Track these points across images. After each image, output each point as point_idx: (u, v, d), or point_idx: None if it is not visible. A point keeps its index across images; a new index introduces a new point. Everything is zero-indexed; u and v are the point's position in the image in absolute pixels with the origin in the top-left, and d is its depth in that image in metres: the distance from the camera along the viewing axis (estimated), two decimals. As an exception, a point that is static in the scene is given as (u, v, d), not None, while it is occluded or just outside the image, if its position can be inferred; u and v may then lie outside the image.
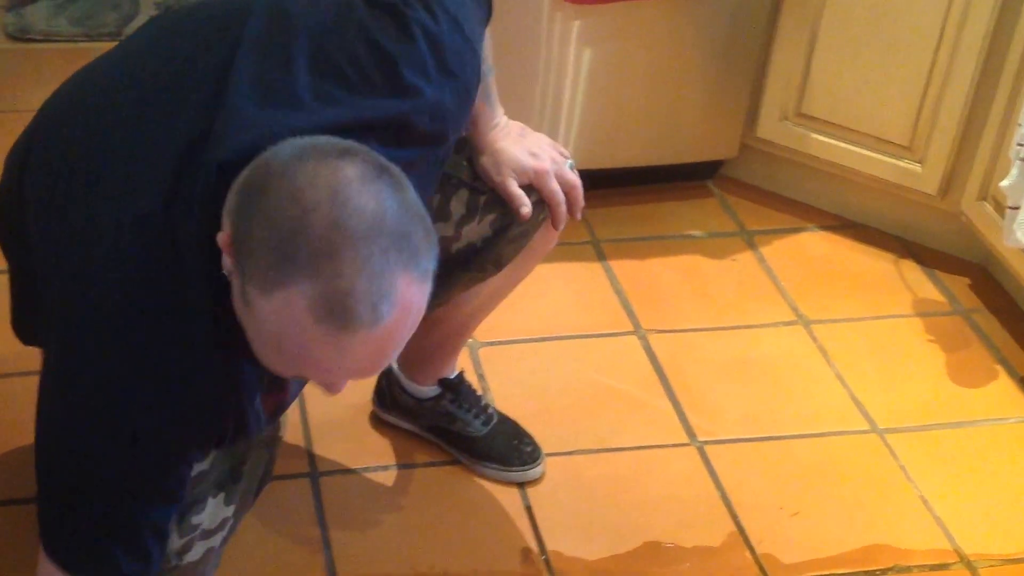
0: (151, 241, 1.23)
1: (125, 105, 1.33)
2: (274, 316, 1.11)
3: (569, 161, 1.68)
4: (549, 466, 1.91)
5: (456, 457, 1.91)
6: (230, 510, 1.60)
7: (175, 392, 1.25)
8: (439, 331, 1.85)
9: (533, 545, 1.80)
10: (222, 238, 1.16)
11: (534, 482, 1.89)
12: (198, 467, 1.54)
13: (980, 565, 1.82)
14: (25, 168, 1.41)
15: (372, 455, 1.92)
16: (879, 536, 1.86)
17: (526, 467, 1.89)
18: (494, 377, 2.07)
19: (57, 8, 2.92)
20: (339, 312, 1.09)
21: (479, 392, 1.93)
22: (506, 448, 1.89)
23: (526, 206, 1.62)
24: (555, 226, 1.67)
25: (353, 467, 1.89)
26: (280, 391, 1.44)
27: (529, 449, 1.90)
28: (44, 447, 1.32)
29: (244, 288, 1.13)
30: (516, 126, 1.68)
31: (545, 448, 1.92)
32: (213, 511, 1.57)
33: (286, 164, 1.13)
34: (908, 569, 1.81)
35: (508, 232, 1.65)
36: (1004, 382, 2.16)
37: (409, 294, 1.13)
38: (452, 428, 1.90)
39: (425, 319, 1.84)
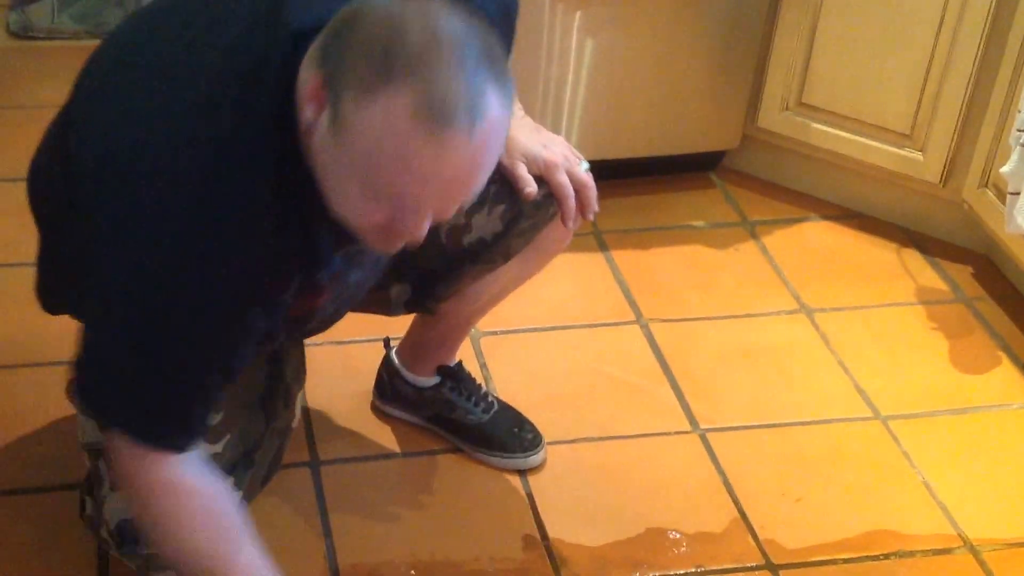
0: (224, 110, 1.25)
1: (171, 27, 1.36)
2: (374, 126, 1.14)
3: (583, 163, 1.65)
4: (551, 454, 1.91)
5: (457, 445, 1.91)
6: (237, 495, 1.61)
7: (237, 248, 1.26)
8: (443, 325, 1.85)
9: (535, 532, 1.80)
10: (307, 84, 1.19)
11: (535, 469, 1.89)
12: (212, 448, 1.55)
13: (983, 549, 1.82)
14: (70, 123, 1.41)
15: (373, 444, 1.92)
16: (882, 521, 1.85)
17: (527, 454, 1.89)
18: (496, 366, 2.07)
19: (60, 5, 2.93)
20: (439, 112, 1.13)
21: (479, 381, 1.93)
22: (507, 435, 1.89)
23: (531, 186, 1.60)
24: (564, 222, 1.63)
25: (354, 456, 1.89)
26: (314, 295, 1.45)
27: (530, 436, 1.90)
28: (105, 309, 1.31)
29: (337, 114, 1.16)
30: (530, 121, 1.67)
31: (547, 436, 1.92)
32: None
33: (373, 4, 1.18)
34: (911, 554, 1.81)
35: (518, 225, 1.65)
36: (1007, 368, 2.16)
37: (496, 110, 1.17)
38: (452, 416, 1.90)
39: (428, 315, 1.86)
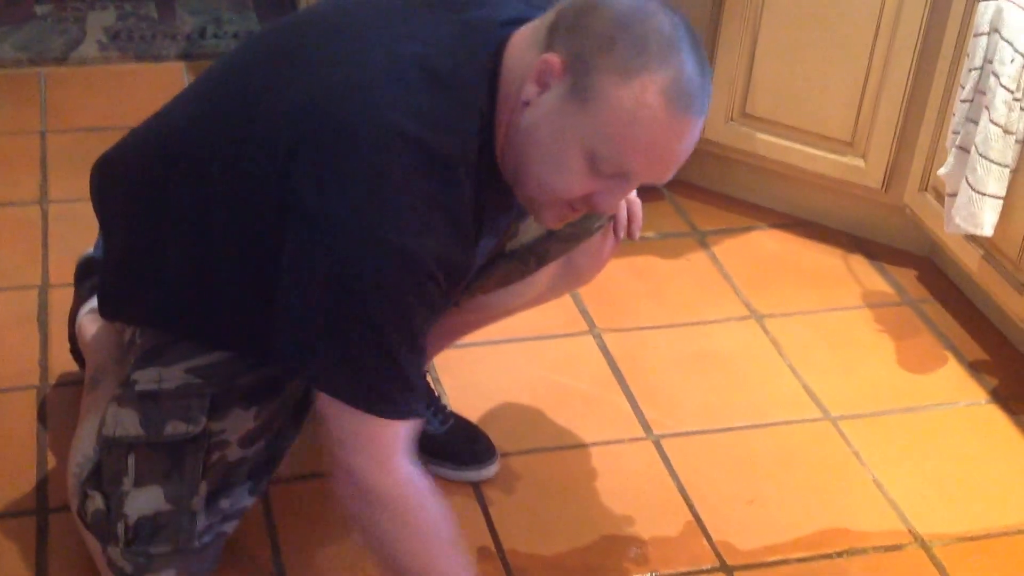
0: (431, 79, 1.35)
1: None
2: (632, 101, 1.28)
3: None
4: (506, 465, 1.93)
5: (413, 458, 1.92)
6: (251, 500, 1.64)
7: (438, 221, 1.34)
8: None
9: (490, 544, 1.80)
10: (544, 63, 1.31)
11: (489, 481, 1.90)
12: (242, 453, 1.58)
13: (934, 544, 1.85)
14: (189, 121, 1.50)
15: (323, 459, 1.91)
16: (834, 520, 1.88)
17: (480, 466, 1.90)
18: (449, 380, 2.08)
19: (1, 35, 2.93)
20: (685, 96, 1.29)
21: (437, 394, 1.94)
22: (461, 447, 1.90)
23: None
24: (616, 232, 1.72)
25: (302, 473, 1.88)
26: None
27: (483, 448, 1.91)
28: (310, 303, 1.35)
29: (586, 88, 1.29)
30: None
31: (502, 448, 1.93)
32: (238, 498, 1.61)
33: None
34: (864, 551, 1.83)
35: (559, 233, 1.68)
36: (953, 368, 2.20)
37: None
38: (408, 428, 1.91)
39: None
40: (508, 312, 1.87)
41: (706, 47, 2.42)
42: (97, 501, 1.58)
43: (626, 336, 2.23)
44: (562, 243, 1.71)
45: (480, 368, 2.13)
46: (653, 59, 1.28)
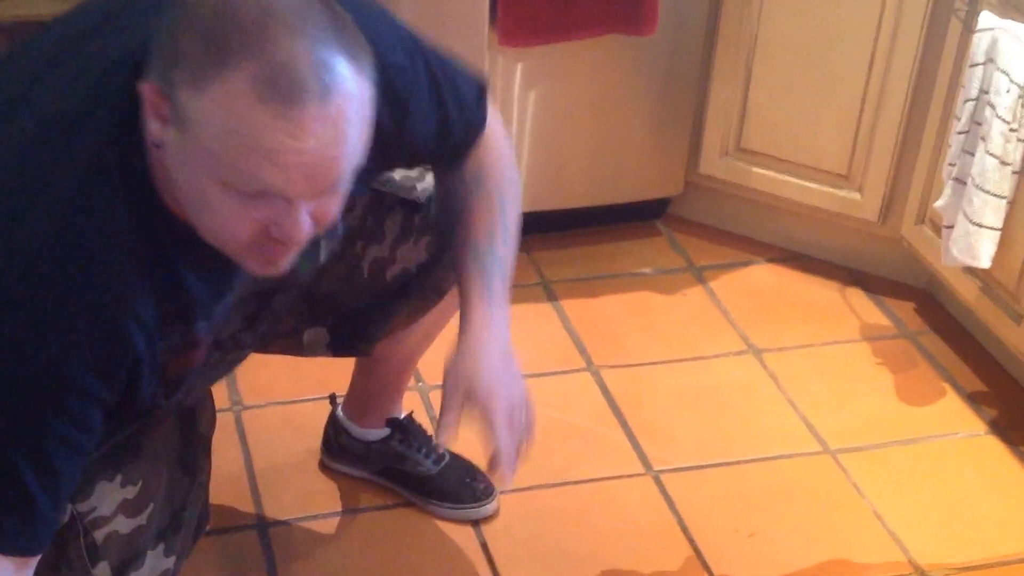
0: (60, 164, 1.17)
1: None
2: (218, 113, 1.07)
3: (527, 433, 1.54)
4: (505, 503, 1.92)
5: (408, 498, 1.91)
6: (170, 561, 1.59)
7: (66, 313, 1.16)
8: (382, 370, 1.85)
9: (490, 580, 1.80)
10: (145, 96, 1.11)
11: (489, 518, 1.89)
12: (134, 522, 1.52)
13: (934, 574, 1.84)
14: None
15: (321, 502, 1.91)
16: (835, 552, 1.87)
17: (479, 503, 1.89)
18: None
19: None
20: (284, 84, 1.06)
21: (429, 433, 1.94)
22: (458, 486, 1.89)
23: (445, 436, 1.47)
24: (488, 472, 1.48)
25: (302, 515, 1.88)
26: (190, 348, 1.34)
27: (482, 486, 1.90)
28: None
29: (179, 113, 1.09)
30: (508, 350, 1.50)
31: (500, 487, 1.92)
32: (153, 565, 1.55)
33: None
34: (864, 583, 1.82)
35: (444, 257, 1.63)
36: (951, 399, 2.19)
37: (352, 80, 1.09)
38: (403, 468, 1.90)
39: (362, 362, 1.84)
40: (424, 345, 1.83)
41: (700, 81, 2.46)
42: None
43: (623, 372, 2.22)
44: (450, 268, 1.60)
45: (478, 405, 2.12)
46: (231, 56, 1.06)
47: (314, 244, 1.31)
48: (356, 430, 1.91)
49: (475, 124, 1.46)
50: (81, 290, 1.17)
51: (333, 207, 1.17)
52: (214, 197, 1.12)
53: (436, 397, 2.09)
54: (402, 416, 1.91)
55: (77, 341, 1.16)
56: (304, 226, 1.15)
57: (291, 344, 1.71)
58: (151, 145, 1.15)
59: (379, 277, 1.64)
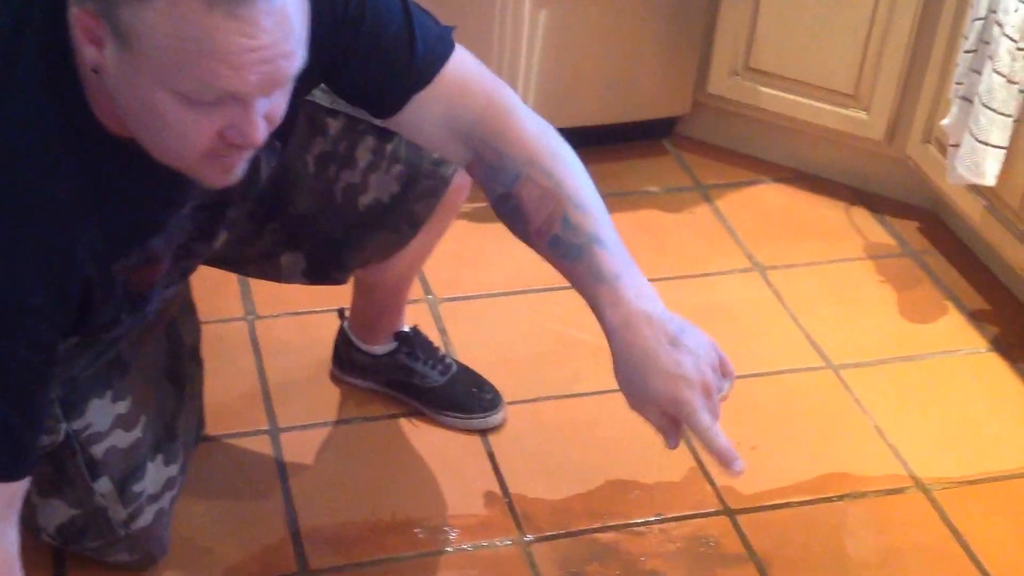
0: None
1: None
2: (166, 23, 1.07)
3: (726, 383, 1.36)
4: (511, 414, 1.95)
5: (417, 408, 1.94)
6: (173, 469, 1.64)
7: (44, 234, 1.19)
8: (377, 296, 1.88)
9: (496, 489, 1.83)
10: (78, 23, 1.11)
11: (496, 429, 1.92)
12: (131, 435, 1.57)
13: (934, 488, 1.87)
14: None
15: (331, 410, 1.95)
16: (835, 465, 1.90)
17: (487, 414, 1.92)
18: (455, 331, 2.10)
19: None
20: None
21: (436, 345, 1.97)
22: (466, 396, 1.92)
23: (671, 441, 1.31)
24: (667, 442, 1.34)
25: (313, 422, 1.92)
26: (151, 264, 1.37)
27: (489, 396, 1.93)
28: None
29: (121, 33, 1.09)
30: (665, 319, 1.38)
31: (507, 397, 1.96)
32: (155, 475, 1.61)
33: None
34: (864, 494, 1.86)
35: (416, 187, 1.63)
36: (953, 317, 2.22)
37: None
38: (410, 380, 1.93)
39: (359, 286, 1.86)
40: (414, 268, 1.84)
41: (709, 1, 2.46)
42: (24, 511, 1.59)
43: (630, 288, 2.25)
44: (424, 200, 1.65)
45: (486, 319, 2.15)
46: None
47: (255, 160, 1.32)
48: (363, 345, 1.94)
49: (445, 39, 1.40)
50: (25, 217, 1.18)
51: (282, 105, 1.19)
52: (168, 111, 1.13)
53: (446, 309, 2.13)
54: (407, 329, 1.93)
55: (24, 267, 1.18)
56: (261, 127, 1.16)
57: (269, 268, 1.74)
58: (88, 71, 1.15)
59: (352, 204, 1.65)
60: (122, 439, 1.58)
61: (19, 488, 1.27)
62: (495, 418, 1.93)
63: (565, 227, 1.44)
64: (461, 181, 1.67)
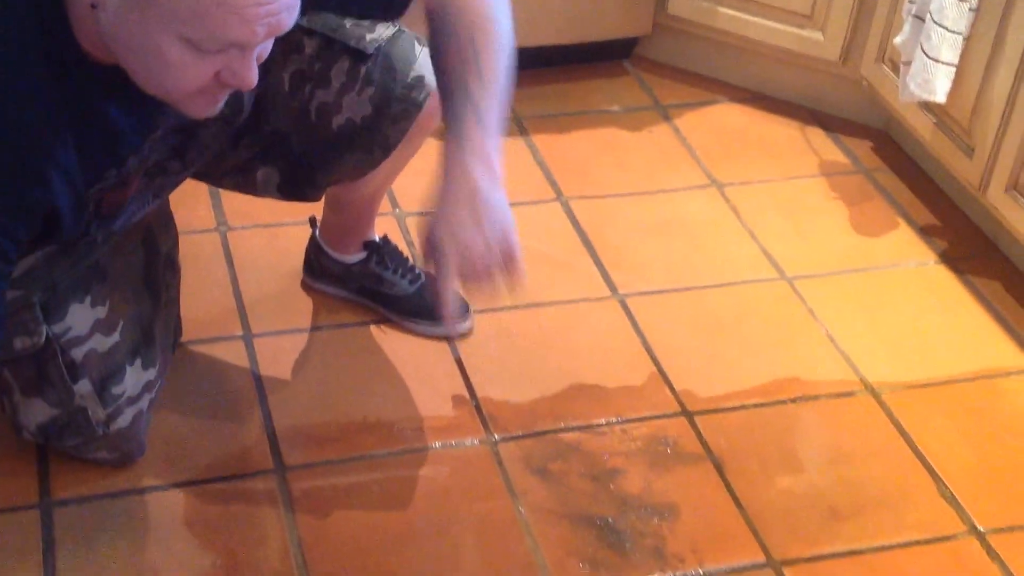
0: None
1: None
2: None
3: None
4: (479, 323, 2.01)
5: (386, 316, 2.00)
6: (152, 372, 1.69)
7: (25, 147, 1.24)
8: (349, 211, 1.93)
9: (464, 392, 1.89)
10: None
11: (464, 336, 1.98)
12: (110, 340, 1.62)
13: (883, 391, 1.96)
14: None
15: (303, 317, 2.00)
16: (789, 370, 1.98)
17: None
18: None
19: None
20: None
21: (405, 255, 2.01)
22: (434, 305, 1.97)
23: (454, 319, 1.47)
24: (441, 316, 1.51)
25: (285, 329, 1.97)
26: (124, 185, 1.44)
27: (457, 305, 1.98)
28: None
29: None
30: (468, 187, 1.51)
31: (474, 306, 2.01)
32: (133, 378, 1.66)
33: None
34: (816, 397, 1.94)
35: (389, 110, 1.66)
36: (904, 231, 2.29)
37: None
38: (380, 289, 1.98)
39: (331, 200, 1.90)
40: (385, 186, 1.89)
41: (670, -78, 2.50)
42: (8, 409, 1.65)
43: (592, 203, 2.31)
44: (396, 124, 1.68)
45: (452, 232, 2.20)
46: None
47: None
48: (334, 253, 1.98)
49: None
50: None
51: (270, 46, 1.26)
52: (171, 53, 1.19)
53: (413, 223, 2.18)
54: (377, 238, 1.98)
55: None
56: (255, 70, 1.23)
57: (245, 181, 1.78)
58: (86, 4, 1.20)
59: (326, 123, 1.68)
60: (101, 343, 1.62)
61: None
62: (463, 326, 1.99)
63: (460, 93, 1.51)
64: (433, 105, 1.70)
